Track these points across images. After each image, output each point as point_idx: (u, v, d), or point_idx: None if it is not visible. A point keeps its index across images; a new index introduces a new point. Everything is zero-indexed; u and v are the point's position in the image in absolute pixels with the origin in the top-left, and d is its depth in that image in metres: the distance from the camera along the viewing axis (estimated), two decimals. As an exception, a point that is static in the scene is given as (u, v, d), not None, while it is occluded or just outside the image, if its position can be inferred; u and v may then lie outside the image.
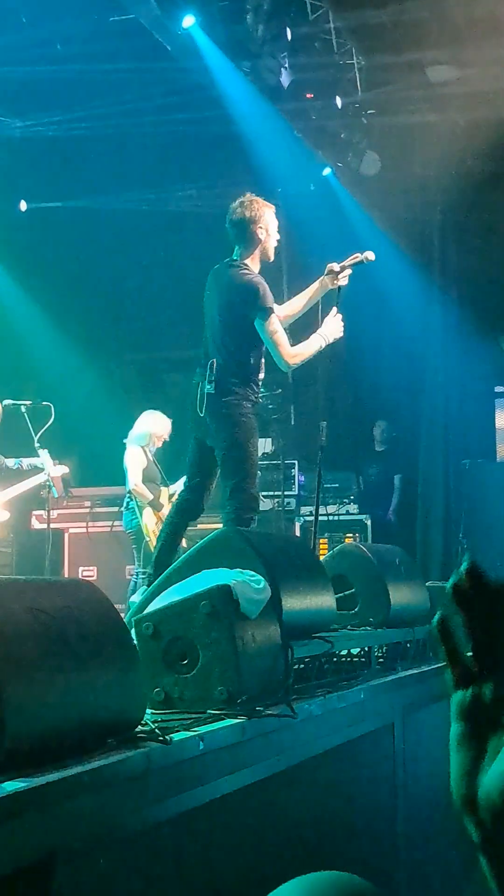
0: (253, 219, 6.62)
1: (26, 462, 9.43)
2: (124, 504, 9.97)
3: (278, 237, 6.80)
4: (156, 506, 9.74)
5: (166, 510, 9.82)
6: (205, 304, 6.82)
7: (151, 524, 9.70)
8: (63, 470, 9.66)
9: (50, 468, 9.39)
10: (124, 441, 10.00)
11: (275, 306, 6.56)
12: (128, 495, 9.86)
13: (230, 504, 6.58)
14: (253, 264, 6.65)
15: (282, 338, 6.60)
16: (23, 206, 12.82)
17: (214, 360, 6.63)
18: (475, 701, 1.02)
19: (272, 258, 6.86)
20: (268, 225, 6.69)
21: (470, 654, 1.03)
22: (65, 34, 9.87)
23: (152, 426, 9.98)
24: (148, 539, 9.60)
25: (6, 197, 12.71)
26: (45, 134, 11.59)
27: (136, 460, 9.81)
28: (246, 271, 6.65)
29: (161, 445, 10.11)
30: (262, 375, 6.76)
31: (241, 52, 9.93)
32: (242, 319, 6.59)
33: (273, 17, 9.69)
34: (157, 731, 3.06)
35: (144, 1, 9.19)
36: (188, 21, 9.41)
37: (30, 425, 9.23)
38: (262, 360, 6.71)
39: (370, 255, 7.02)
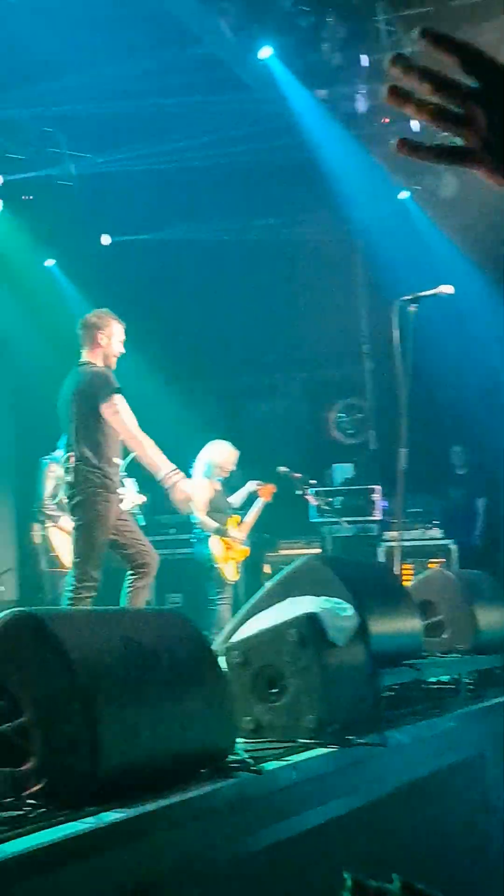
0: (98, 325, 7.33)
1: None
2: (194, 535, 9.97)
3: (122, 350, 7.42)
4: (221, 532, 9.74)
5: (235, 535, 9.87)
6: (58, 404, 7.38)
7: (219, 552, 9.71)
8: (142, 499, 9.74)
9: (133, 497, 9.48)
10: (191, 471, 9.99)
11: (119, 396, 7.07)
12: (196, 525, 9.86)
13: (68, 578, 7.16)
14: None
15: (124, 417, 7.10)
16: (105, 239, 13.01)
17: (72, 453, 7.14)
18: None
19: (113, 365, 7.41)
20: (112, 334, 7.35)
21: None
22: (141, 69, 10.03)
23: (216, 456, 9.95)
24: (218, 567, 9.61)
25: (89, 231, 12.91)
26: (124, 169, 11.76)
27: (200, 491, 9.78)
28: (90, 366, 7.29)
29: (227, 475, 10.07)
30: (117, 460, 7.26)
31: (317, 80, 10.00)
32: (93, 407, 7.09)
33: (348, 44, 9.75)
34: (248, 760, 3.07)
35: (221, 34, 9.31)
36: (265, 52, 9.51)
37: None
38: (118, 446, 7.24)
39: (447, 289, 7.06)
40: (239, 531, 9.89)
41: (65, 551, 9.10)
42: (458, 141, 1.20)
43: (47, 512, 9.70)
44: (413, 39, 1.18)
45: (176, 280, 13.11)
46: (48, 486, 9.64)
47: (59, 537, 9.41)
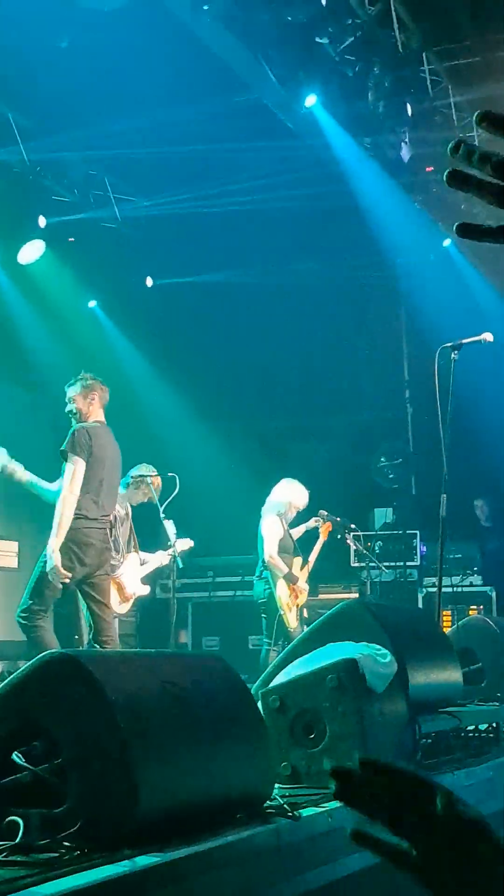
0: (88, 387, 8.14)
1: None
2: (257, 573, 9.79)
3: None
4: (290, 578, 9.61)
5: (301, 582, 9.76)
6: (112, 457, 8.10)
7: (285, 597, 9.54)
8: (189, 544, 9.66)
9: (174, 539, 9.46)
10: (262, 509, 9.89)
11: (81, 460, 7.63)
12: (261, 564, 9.70)
13: None
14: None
15: (71, 484, 7.56)
16: (149, 282, 13.14)
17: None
18: None
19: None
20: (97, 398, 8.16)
21: None
22: (189, 115, 10.17)
23: (291, 495, 9.83)
24: (282, 612, 9.44)
25: (133, 273, 13.05)
26: (170, 212, 11.90)
27: (273, 530, 9.63)
28: (76, 422, 7.93)
29: (294, 516, 9.98)
30: (90, 513, 7.68)
31: (362, 128, 10.08)
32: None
33: (394, 93, 9.83)
34: (285, 806, 3.06)
35: (267, 81, 9.43)
36: (310, 100, 9.61)
37: (155, 496, 9.35)
38: (91, 500, 7.71)
39: (488, 337, 7.10)
40: (302, 573, 9.79)
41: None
42: None
43: None
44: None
45: (219, 323, 13.21)
46: None
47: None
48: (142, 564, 9.32)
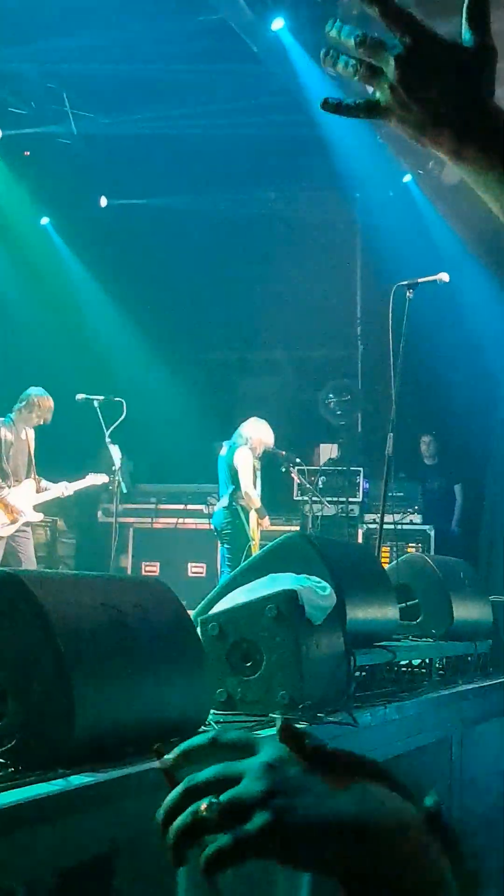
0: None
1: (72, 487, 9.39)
2: (225, 504, 9.74)
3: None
4: (261, 512, 9.69)
5: (266, 519, 9.85)
6: None
7: (255, 529, 9.65)
8: (103, 478, 9.55)
9: (118, 464, 9.43)
10: (226, 442, 9.85)
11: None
12: (229, 495, 9.69)
13: None
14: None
15: None
16: (103, 201, 12.94)
17: None
18: None
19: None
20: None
21: None
22: (152, 33, 9.94)
23: (261, 433, 9.83)
24: (252, 543, 9.52)
25: (88, 192, 12.84)
26: (128, 131, 11.68)
27: (248, 464, 9.67)
28: None
29: (261, 454, 9.96)
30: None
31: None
32: None
33: (362, 22, 9.66)
34: (220, 732, 3.08)
35: (234, 2, 9.23)
36: (277, 24, 9.44)
37: (101, 420, 9.30)
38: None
39: (444, 277, 7.10)
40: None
41: None
42: (379, 95, 1.29)
43: None
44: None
45: (171, 248, 13.06)
46: None
47: None
48: (39, 493, 9.22)
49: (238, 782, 0.93)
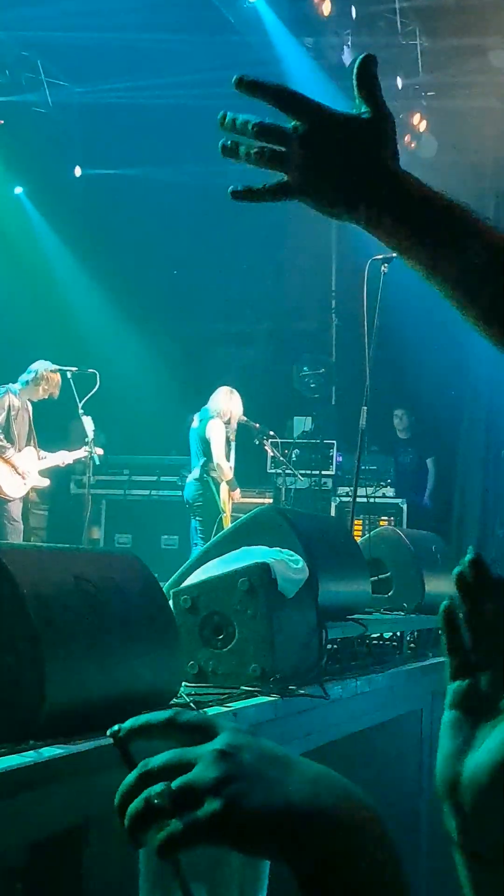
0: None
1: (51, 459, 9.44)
2: (197, 476, 9.73)
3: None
4: (232, 485, 9.69)
5: (237, 492, 9.86)
6: None
7: (226, 501, 9.66)
8: (83, 453, 9.58)
9: (91, 436, 9.41)
10: (198, 415, 9.83)
11: None
12: (201, 467, 9.67)
13: None
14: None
15: None
16: (77, 171, 12.84)
17: None
18: (471, 690, 1.03)
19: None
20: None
21: (470, 644, 1.05)
22: (129, 2, 9.85)
23: (231, 404, 9.82)
24: (223, 515, 9.53)
25: (61, 162, 12.73)
26: (103, 101, 11.58)
27: (221, 435, 9.64)
28: None
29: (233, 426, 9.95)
30: None
31: (305, 28, 9.88)
32: None
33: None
34: (192, 704, 3.10)
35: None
36: (254, -6, 9.38)
37: (75, 391, 9.27)
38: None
39: None
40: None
41: (6, 482, 8.97)
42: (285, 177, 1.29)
43: None
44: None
45: (147, 219, 12.98)
46: None
47: (3, 468, 9.08)
48: (40, 459, 9.32)
49: (192, 768, 0.94)
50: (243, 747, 0.96)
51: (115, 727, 1.01)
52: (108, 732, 1.01)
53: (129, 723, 1.01)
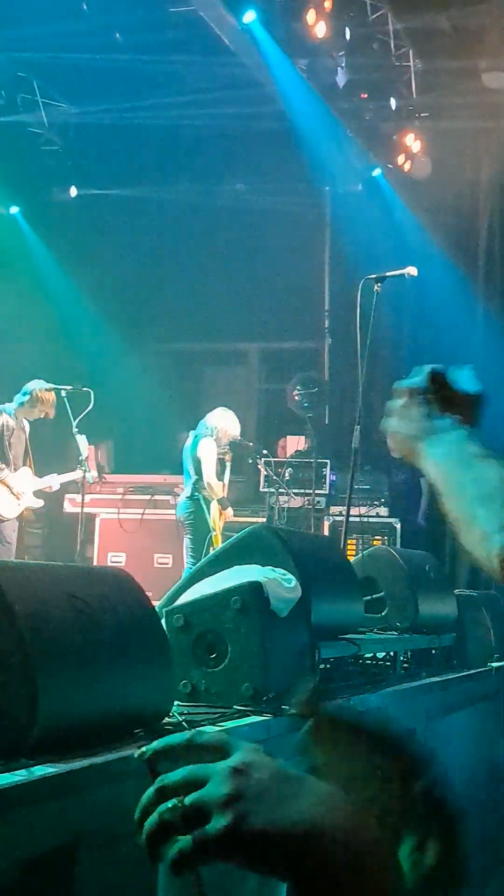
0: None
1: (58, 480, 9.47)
2: (188, 494, 9.73)
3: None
4: (223, 503, 9.69)
5: (229, 511, 9.86)
6: None
7: (217, 520, 9.65)
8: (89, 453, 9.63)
9: (85, 453, 9.43)
10: (191, 432, 9.85)
11: None
12: (192, 485, 9.68)
13: None
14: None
15: None
16: (73, 191, 12.88)
17: None
18: None
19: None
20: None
21: None
22: (124, 23, 9.90)
23: (226, 424, 9.82)
24: (214, 534, 9.52)
25: (57, 182, 12.78)
26: (99, 121, 11.63)
27: (213, 454, 9.65)
28: None
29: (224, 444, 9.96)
30: None
31: (299, 50, 9.94)
32: None
33: (333, 16, 9.69)
34: (184, 723, 3.09)
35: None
36: (249, 16, 9.43)
37: (69, 410, 9.28)
38: None
39: (412, 271, 7.14)
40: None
41: (0, 503, 8.97)
42: None
43: None
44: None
45: (142, 239, 13.03)
46: None
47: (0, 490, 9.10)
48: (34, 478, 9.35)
49: (205, 785, 0.95)
50: (256, 765, 0.98)
51: (143, 748, 1.04)
52: (135, 754, 1.04)
53: (154, 745, 1.03)
